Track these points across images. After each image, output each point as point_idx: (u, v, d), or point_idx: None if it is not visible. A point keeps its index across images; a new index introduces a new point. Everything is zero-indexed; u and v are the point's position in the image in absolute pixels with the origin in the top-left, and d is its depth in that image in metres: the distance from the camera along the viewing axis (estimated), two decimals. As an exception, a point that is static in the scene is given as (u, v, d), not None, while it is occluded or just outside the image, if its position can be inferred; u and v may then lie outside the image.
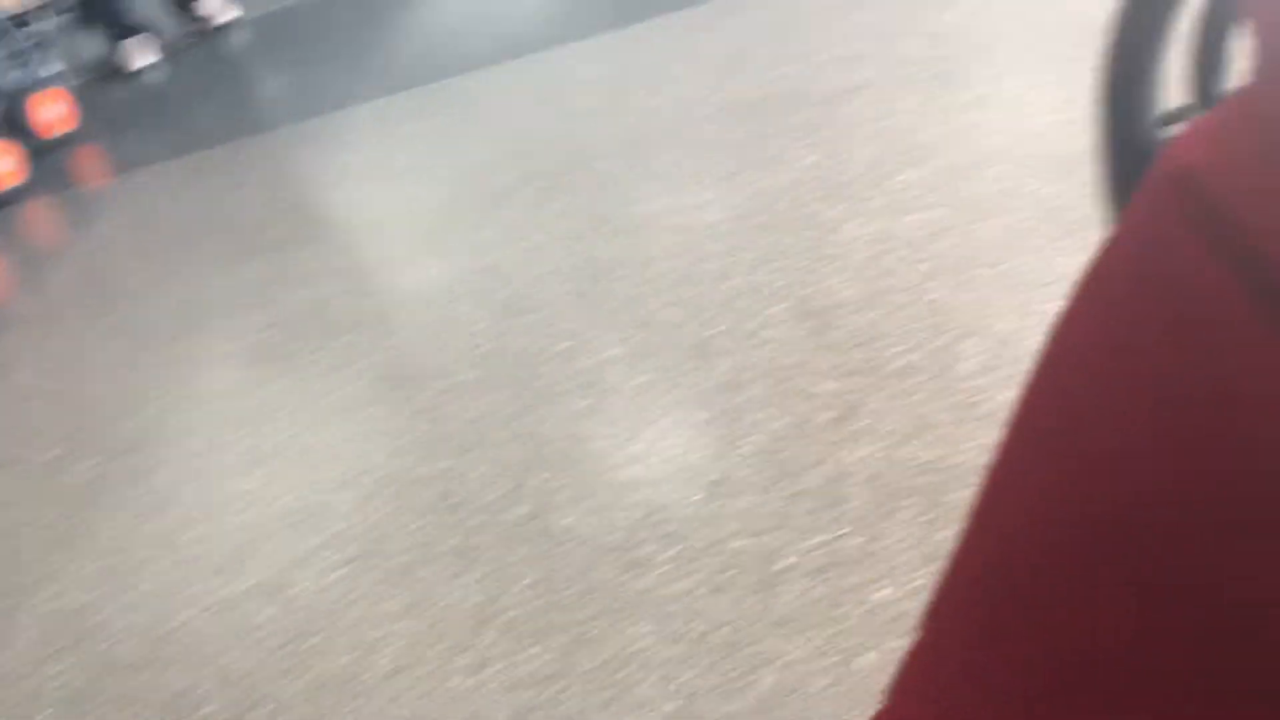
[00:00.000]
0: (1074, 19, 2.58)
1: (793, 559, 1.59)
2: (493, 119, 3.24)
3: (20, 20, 4.26)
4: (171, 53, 4.70)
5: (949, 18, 2.82)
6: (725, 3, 3.34)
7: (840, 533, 1.60)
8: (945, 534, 1.54)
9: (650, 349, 2.06)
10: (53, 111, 4.12)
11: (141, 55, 4.62)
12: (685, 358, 2.01)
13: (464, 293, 2.43)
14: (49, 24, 4.40)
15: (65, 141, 4.10)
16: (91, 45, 4.74)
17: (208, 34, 4.75)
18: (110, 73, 4.64)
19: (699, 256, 2.28)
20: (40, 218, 3.73)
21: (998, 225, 2.05)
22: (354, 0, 4.63)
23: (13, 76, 4.08)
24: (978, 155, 2.25)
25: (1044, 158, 2.18)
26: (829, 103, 2.63)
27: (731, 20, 3.22)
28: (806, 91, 2.71)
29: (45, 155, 3.99)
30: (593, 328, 2.18)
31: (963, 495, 1.59)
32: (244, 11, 4.82)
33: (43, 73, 4.16)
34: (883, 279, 2.03)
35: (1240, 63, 0.63)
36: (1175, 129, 0.54)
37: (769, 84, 2.82)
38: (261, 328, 2.55)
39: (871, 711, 0.42)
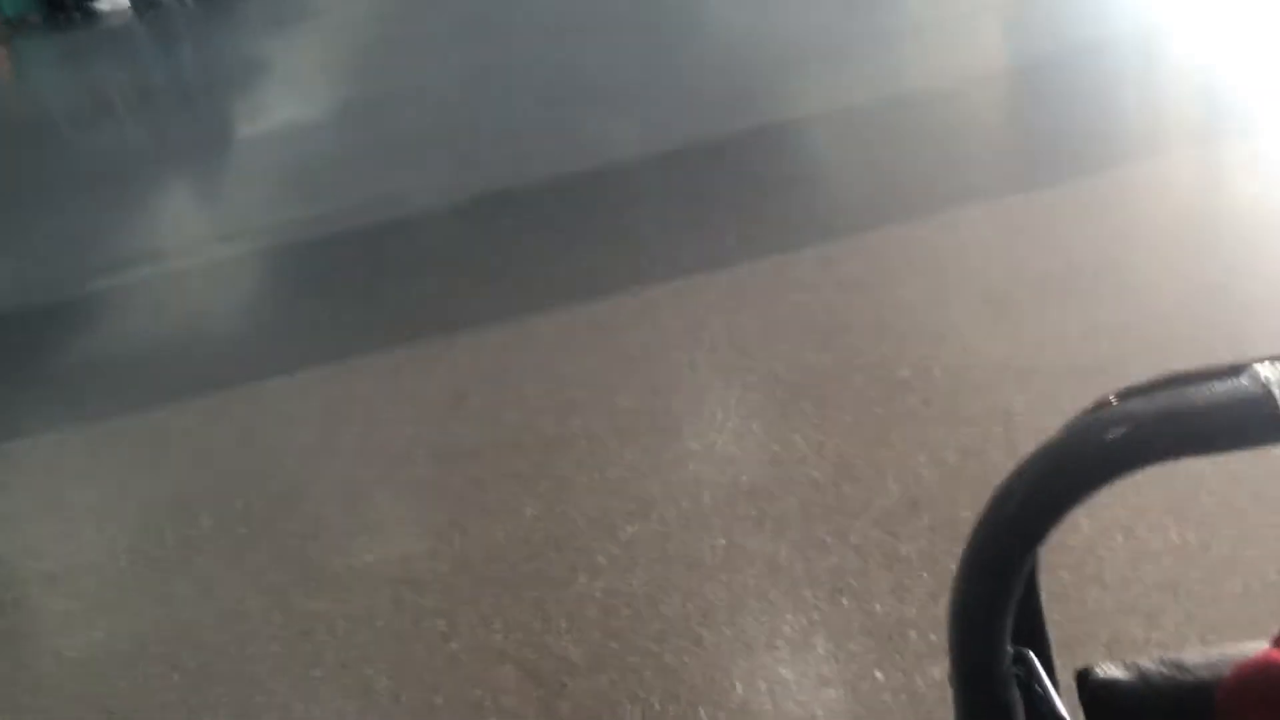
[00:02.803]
0: (773, 374, 2.75)
1: None
2: (186, 457, 3.03)
3: None
4: None
5: (660, 370, 2.94)
6: (442, 342, 3.35)
7: None
8: None
9: (364, 723, 1.88)
10: None
11: None
12: (403, 733, 1.84)
13: (153, 655, 2.16)
14: None
15: None
16: None
17: None
18: None
19: (416, 614, 2.14)
20: None
21: (722, 584, 2.05)
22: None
23: None
24: (698, 510, 2.29)
25: (760, 513, 2.24)
26: (547, 451, 2.64)
27: (447, 361, 3.22)
28: (524, 439, 2.71)
29: None
30: (298, 697, 1.97)
31: None
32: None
33: None
34: (613, 639, 1.97)
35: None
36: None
37: (486, 429, 2.80)
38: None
39: None
